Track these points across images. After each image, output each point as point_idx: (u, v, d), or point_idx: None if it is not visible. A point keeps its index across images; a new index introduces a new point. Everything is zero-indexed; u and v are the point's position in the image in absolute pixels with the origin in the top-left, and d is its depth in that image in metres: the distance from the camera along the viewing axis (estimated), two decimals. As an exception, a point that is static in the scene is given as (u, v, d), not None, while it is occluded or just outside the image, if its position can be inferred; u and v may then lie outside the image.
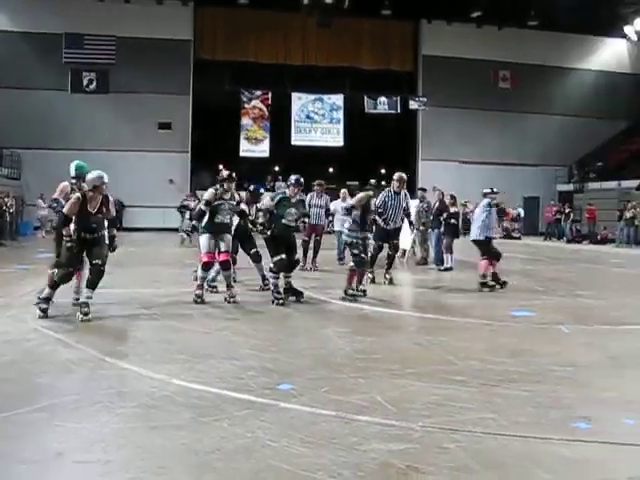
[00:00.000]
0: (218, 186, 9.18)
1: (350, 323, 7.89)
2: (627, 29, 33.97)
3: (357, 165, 31.50)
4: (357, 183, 31.02)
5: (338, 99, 34.07)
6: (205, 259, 8.92)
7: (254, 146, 33.08)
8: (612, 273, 15.35)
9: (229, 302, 8.96)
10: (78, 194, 7.65)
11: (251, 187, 12.82)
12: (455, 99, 33.16)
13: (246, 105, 33.16)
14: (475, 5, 31.34)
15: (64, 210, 7.62)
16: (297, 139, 33.64)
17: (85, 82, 30.72)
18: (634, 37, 34.39)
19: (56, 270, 7.69)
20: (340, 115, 34.11)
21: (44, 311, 7.53)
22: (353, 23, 31.92)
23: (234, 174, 9.43)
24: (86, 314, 7.39)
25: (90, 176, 7.64)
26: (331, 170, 34.21)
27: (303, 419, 4.28)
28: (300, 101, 33.89)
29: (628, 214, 26.14)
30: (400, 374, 5.43)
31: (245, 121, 33.16)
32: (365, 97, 33.51)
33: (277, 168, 34.50)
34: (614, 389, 5.16)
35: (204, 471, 3.49)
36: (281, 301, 8.93)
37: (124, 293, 9.64)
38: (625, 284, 12.87)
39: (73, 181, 8.23)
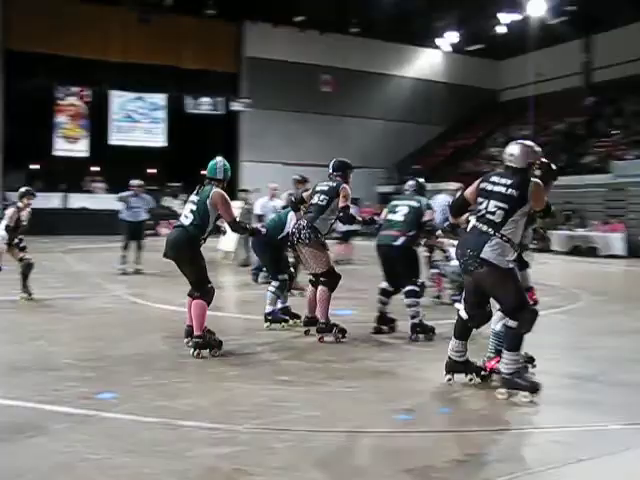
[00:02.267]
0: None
1: (174, 327, 7.74)
2: (440, 41, 36.17)
3: (180, 166, 30.95)
4: (180, 184, 30.70)
5: (160, 98, 33.28)
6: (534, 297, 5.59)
7: (71, 145, 31.54)
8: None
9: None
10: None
11: None
12: (279, 101, 33.55)
13: (61, 101, 31.55)
14: (298, 9, 31.84)
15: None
16: (117, 138, 32.47)
17: None
18: (447, 48, 36.74)
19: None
20: (162, 115, 33.35)
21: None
22: (176, 21, 31.23)
23: None
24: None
25: None
26: (153, 171, 33.37)
27: (126, 428, 4.13)
28: (120, 99, 32.76)
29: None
30: (226, 376, 5.40)
31: (60, 118, 31.52)
32: (188, 97, 33.03)
33: (96, 168, 33.14)
34: (431, 380, 5.42)
35: (18, 491, 3.27)
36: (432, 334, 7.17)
37: None
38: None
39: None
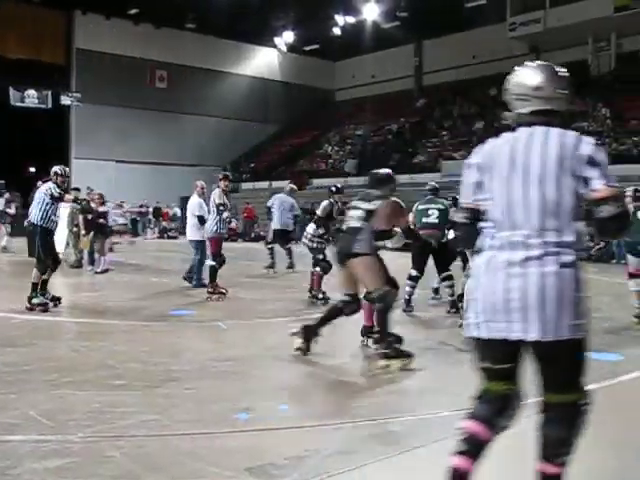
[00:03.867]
0: None
1: (-1, 333, 7.26)
2: (277, 40, 36.57)
3: (4, 162, 29.10)
4: (3, 182, 28.79)
5: (-21, 88, 31.14)
6: None
7: None
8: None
9: None
10: None
11: None
12: (112, 97, 32.45)
13: None
14: (133, 2, 30.95)
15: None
16: None
17: None
18: (283, 48, 37.21)
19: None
20: (-19, 106, 31.20)
21: None
22: (-2, 5, 29.36)
23: None
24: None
25: None
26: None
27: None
28: None
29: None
30: (57, 384, 5.10)
31: None
32: (11, 89, 31.06)
33: None
34: (270, 379, 5.45)
35: None
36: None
37: None
38: (274, 279, 13.60)
39: None
